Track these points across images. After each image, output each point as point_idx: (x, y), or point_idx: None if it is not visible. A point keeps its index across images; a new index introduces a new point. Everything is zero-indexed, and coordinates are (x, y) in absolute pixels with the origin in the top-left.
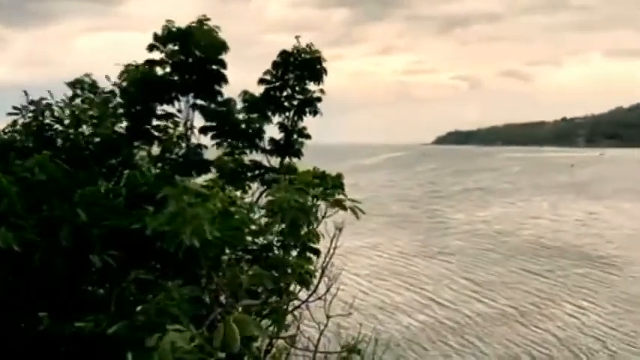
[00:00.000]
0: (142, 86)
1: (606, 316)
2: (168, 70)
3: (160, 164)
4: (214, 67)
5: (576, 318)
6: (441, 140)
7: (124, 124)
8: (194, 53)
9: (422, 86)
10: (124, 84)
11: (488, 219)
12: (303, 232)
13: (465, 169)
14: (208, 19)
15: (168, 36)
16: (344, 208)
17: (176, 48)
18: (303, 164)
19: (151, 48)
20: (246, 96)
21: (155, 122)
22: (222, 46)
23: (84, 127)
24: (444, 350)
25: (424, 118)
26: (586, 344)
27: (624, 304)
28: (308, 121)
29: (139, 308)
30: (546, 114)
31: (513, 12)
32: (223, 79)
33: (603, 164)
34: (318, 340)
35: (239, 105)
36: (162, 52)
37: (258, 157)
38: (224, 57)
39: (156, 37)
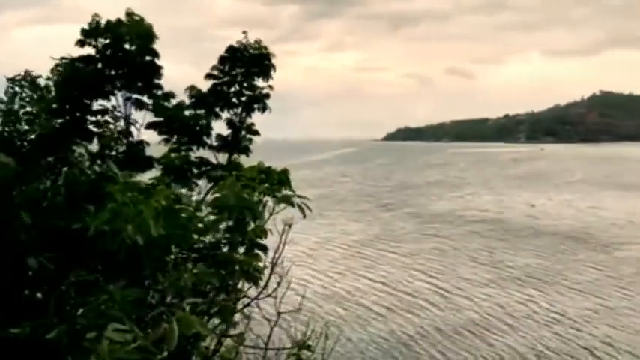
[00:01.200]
0: (73, 82)
1: (555, 303)
2: (100, 65)
3: (99, 161)
4: (147, 58)
5: (526, 305)
6: (391, 137)
7: (60, 120)
8: (124, 46)
9: (373, 83)
10: (56, 79)
11: (439, 212)
12: (249, 229)
13: (416, 164)
14: (134, 13)
15: (97, 30)
16: (292, 204)
17: (107, 42)
18: (254, 161)
19: (81, 44)
20: (193, 91)
21: (92, 118)
22: (151, 35)
23: (19, 124)
24: (394, 342)
25: (375, 114)
26: (536, 330)
27: (571, 291)
28: (259, 118)
29: (80, 312)
30: (490, 111)
31: (460, 11)
32: (158, 71)
33: (545, 159)
34: (269, 337)
35: (186, 100)
36: (93, 46)
37: (205, 153)
38: (156, 47)
39: (84, 32)
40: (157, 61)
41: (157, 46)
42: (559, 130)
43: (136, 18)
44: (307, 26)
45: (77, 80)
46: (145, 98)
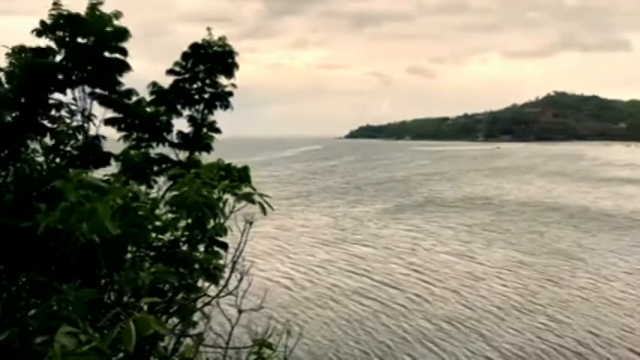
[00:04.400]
0: (28, 74)
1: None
2: (59, 57)
3: (53, 157)
4: (114, 55)
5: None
6: (353, 134)
7: (14, 113)
8: (87, 40)
9: (336, 81)
10: (10, 70)
11: (406, 206)
12: (209, 227)
13: (381, 162)
14: (101, 3)
15: (56, 22)
16: (252, 201)
17: (67, 34)
18: (217, 159)
19: (39, 34)
20: (155, 87)
21: (47, 112)
22: (124, 34)
23: None
24: (358, 338)
25: (337, 112)
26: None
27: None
28: (223, 115)
29: (31, 313)
30: (450, 110)
31: (422, 12)
32: (125, 68)
33: (508, 157)
34: (229, 335)
35: (147, 97)
36: (51, 38)
37: (166, 150)
38: (126, 45)
39: (43, 23)
40: (125, 59)
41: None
42: (515, 129)
43: (98, 13)
44: (271, 23)
45: (32, 72)
46: (106, 94)
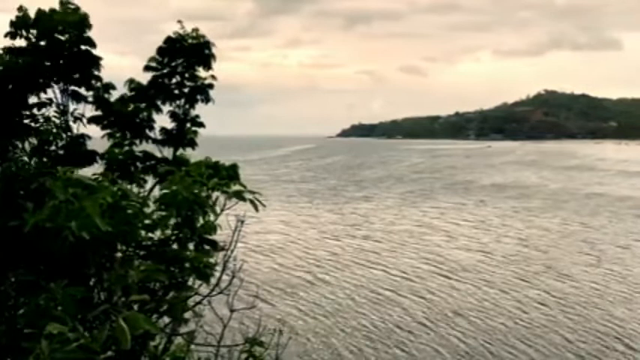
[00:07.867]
0: (5, 76)
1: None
2: (34, 57)
3: (38, 157)
4: (83, 47)
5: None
6: (345, 133)
7: None
8: (58, 36)
9: (328, 80)
10: None
11: (408, 203)
12: (198, 225)
13: (375, 160)
14: (68, 2)
15: (25, 21)
16: (243, 199)
17: (39, 32)
18: (210, 158)
19: (13, 35)
20: (133, 84)
21: (28, 112)
22: (84, 23)
23: None
24: (349, 336)
25: (330, 111)
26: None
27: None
28: (216, 114)
29: (20, 312)
30: (441, 109)
31: (414, 11)
32: (96, 62)
33: (497, 155)
34: (221, 334)
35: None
36: (25, 38)
37: (150, 147)
38: (91, 36)
39: (13, 23)
40: (94, 51)
41: (96, 36)
42: (506, 128)
43: (71, 7)
44: (263, 22)
45: (9, 73)
46: (82, 90)
